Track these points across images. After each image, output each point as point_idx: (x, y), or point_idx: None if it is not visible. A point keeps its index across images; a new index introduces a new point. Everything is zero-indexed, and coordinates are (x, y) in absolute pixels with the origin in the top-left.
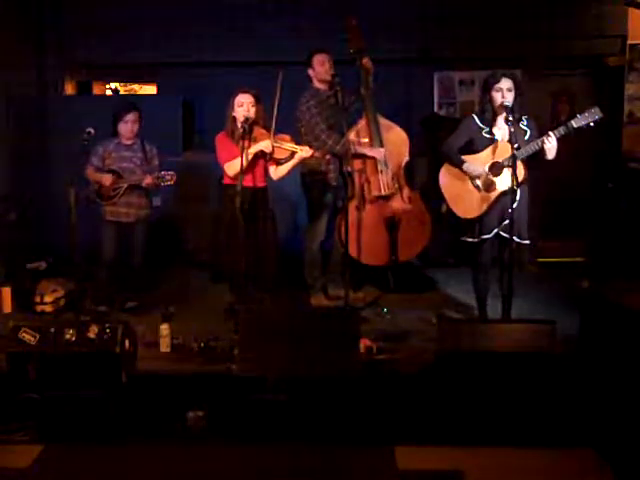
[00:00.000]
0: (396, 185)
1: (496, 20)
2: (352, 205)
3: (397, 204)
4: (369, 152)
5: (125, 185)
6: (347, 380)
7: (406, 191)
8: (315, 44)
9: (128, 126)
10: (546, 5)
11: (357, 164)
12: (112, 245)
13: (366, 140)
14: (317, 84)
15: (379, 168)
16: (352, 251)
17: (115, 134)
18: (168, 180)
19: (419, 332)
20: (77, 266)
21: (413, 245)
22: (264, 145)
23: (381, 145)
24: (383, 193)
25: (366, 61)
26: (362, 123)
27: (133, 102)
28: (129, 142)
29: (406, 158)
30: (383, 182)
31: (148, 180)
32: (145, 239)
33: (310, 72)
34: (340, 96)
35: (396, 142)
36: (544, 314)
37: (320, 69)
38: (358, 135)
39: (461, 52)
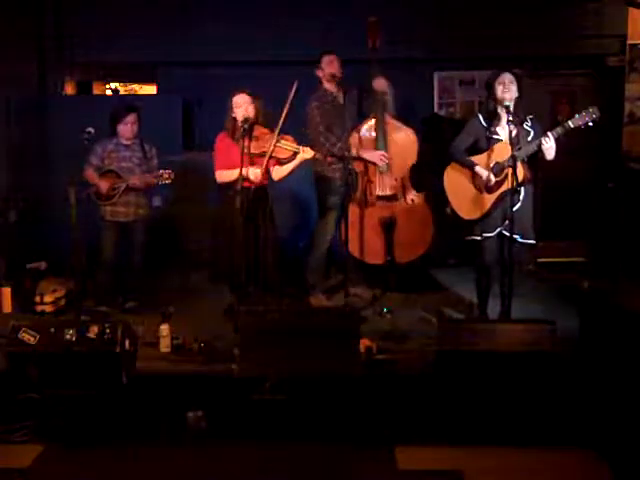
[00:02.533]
0: (398, 186)
1: (496, 20)
2: (354, 204)
3: (395, 206)
4: (367, 156)
5: (124, 185)
6: (347, 380)
7: (410, 193)
8: (315, 43)
9: (128, 127)
10: (546, 5)
11: (358, 165)
12: (111, 245)
13: (371, 138)
14: (326, 84)
15: (378, 170)
16: (353, 249)
17: (113, 134)
18: (166, 179)
19: (419, 332)
20: (77, 266)
21: (413, 247)
22: (267, 145)
23: (384, 148)
24: (380, 194)
25: (379, 83)
26: (370, 123)
27: (131, 103)
28: (128, 142)
29: (413, 160)
30: (381, 184)
31: (136, 180)
32: (144, 238)
33: (319, 73)
34: (348, 95)
35: (404, 144)
36: (544, 314)
37: (329, 69)
38: (362, 136)
39: (461, 52)
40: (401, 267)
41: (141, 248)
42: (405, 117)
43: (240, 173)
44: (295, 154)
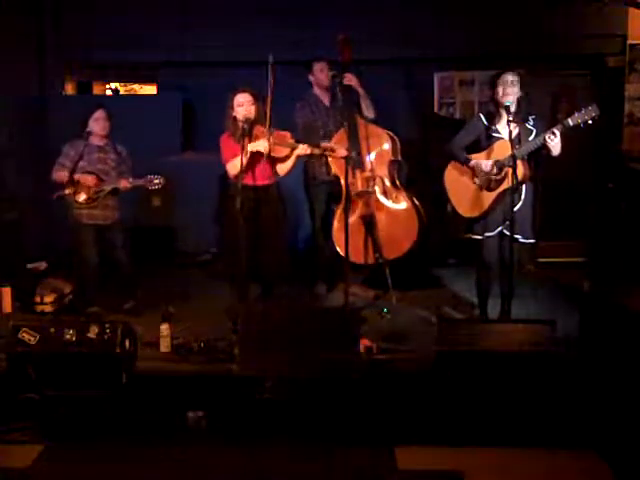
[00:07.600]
0: (374, 182)
1: (496, 20)
2: (340, 205)
3: (374, 202)
4: (338, 153)
5: (109, 188)
6: (347, 380)
7: (390, 189)
8: (315, 43)
9: (99, 123)
10: (546, 5)
11: (336, 165)
12: (94, 248)
13: (342, 135)
14: (316, 90)
15: (347, 163)
16: (342, 250)
17: (83, 136)
18: (156, 184)
19: (419, 332)
20: (72, 267)
21: (398, 243)
22: (261, 145)
23: (352, 147)
24: (357, 190)
25: (348, 78)
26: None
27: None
28: (101, 143)
29: (390, 158)
30: (357, 179)
31: (125, 183)
32: (126, 237)
33: (310, 77)
34: (340, 96)
35: (376, 143)
36: (544, 314)
37: (319, 76)
38: (336, 140)
39: (461, 52)
40: (383, 264)
41: (125, 247)
42: (404, 117)
43: (241, 172)
44: (293, 150)
